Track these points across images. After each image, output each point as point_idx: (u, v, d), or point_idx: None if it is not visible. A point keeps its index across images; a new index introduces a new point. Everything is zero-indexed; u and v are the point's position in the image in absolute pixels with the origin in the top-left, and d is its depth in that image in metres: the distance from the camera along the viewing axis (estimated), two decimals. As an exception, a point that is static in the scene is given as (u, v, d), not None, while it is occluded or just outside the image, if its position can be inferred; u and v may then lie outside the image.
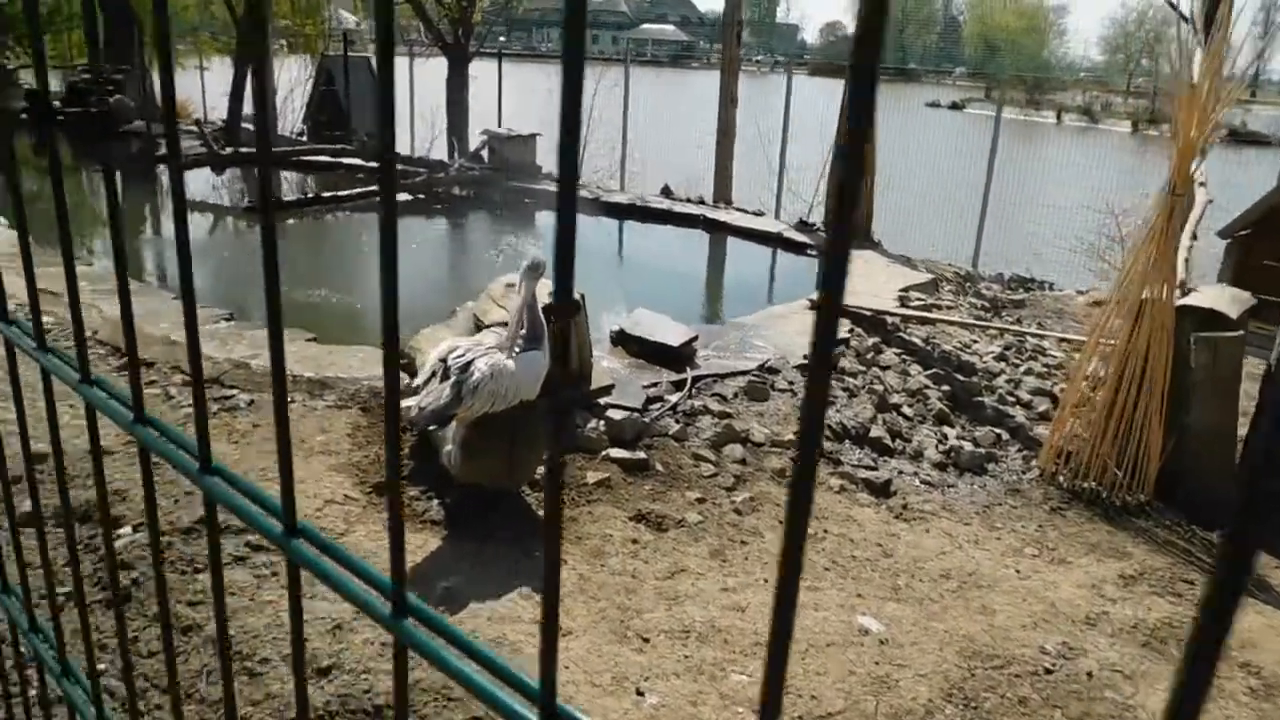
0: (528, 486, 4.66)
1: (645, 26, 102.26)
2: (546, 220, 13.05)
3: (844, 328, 7.68)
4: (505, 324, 4.83)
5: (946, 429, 6.59)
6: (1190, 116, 5.56)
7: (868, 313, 8.07)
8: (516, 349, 4.20)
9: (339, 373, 5.92)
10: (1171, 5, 9.19)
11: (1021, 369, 7.80)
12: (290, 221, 12.33)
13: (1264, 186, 11.14)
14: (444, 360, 4.12)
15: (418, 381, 4.21)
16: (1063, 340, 8.39)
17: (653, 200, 13.35)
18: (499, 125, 16.19)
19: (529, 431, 4.32)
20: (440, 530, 4.27)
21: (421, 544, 4.10)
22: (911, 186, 15.02)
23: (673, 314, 7.72)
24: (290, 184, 15.45)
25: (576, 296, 5.68)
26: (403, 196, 13.26)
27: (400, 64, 20.60)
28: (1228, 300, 6.52)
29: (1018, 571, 4.80)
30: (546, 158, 15.56)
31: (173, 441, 0.96)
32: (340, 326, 8.02)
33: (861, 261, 10.16)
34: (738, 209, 13.51)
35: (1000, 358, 7.97)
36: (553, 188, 14.02)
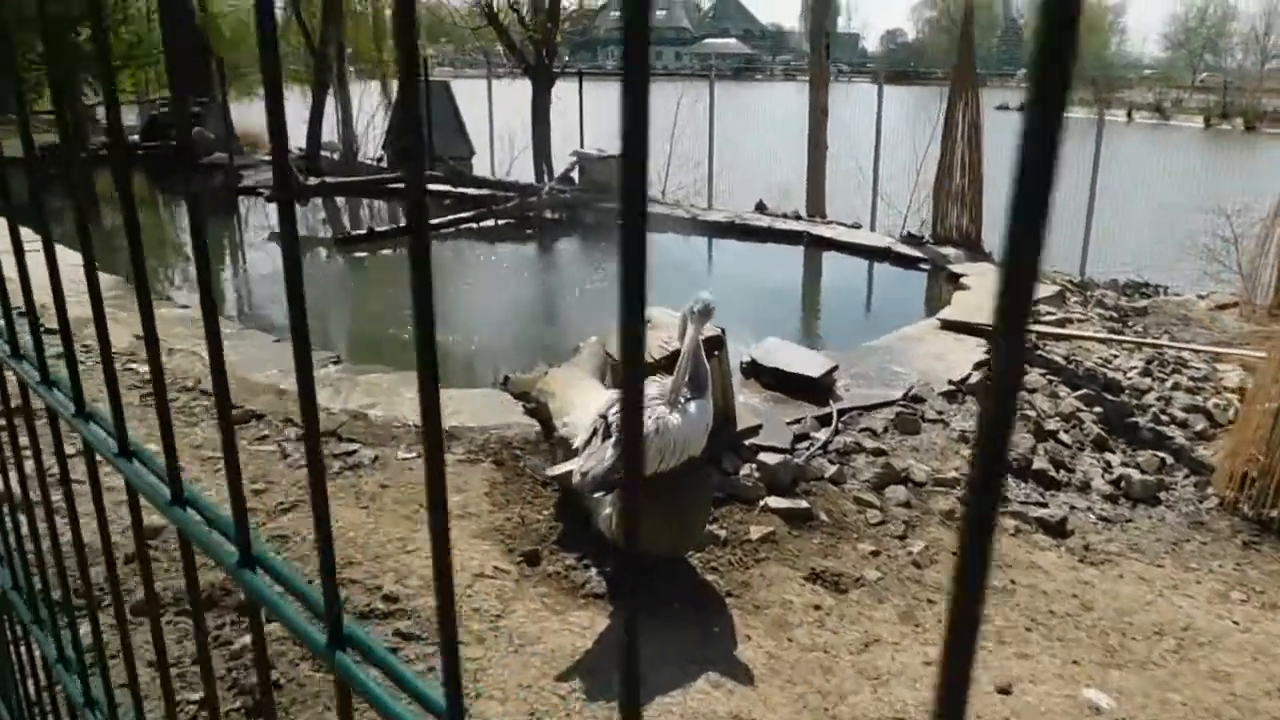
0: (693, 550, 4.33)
1: (708, 41, 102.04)
2: (650, 242, 12.77)
3: (981, 348, 7.24)
4: (661, 371, 4.52)
5: (1108, 455, 6.12)
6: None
7: (1003, 331, 7.61)
8: (682, 399, 3.87)
9: (465, 420, 5.61)
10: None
11: (1168, 384, 7.28)
12: (385, 253, 12.14)
13: None
14: (604, 416, 3.79)
15: (578, 442, 3.88)
16: (1216, 354, 7.85)
17: (750, 217, 12.98)
18: (582, 146, 15.98)
19: (697, 491, 3.99)
20: (604, 605, 3.90)
21: (588, 623, 3.74)
22: (1003, 193, 14.42)
23: (795, 339, 7.36)
24: (376, 213, 15.33)
25: (716, 330, 5.36)
26: (493, 222, 13.07)
27: (478, 86, 20.59)
28: None
29: (1235, 623, 4.34)
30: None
31: (214, 525, 0.85)
32: (454, 366, 7.76)
33: (980, 275, 9.68)
34: (836, 223, 13.09)
35: (1145, 373, 7.47)
36: (651, 209, 13.70)
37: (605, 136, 17.13)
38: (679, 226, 12.67)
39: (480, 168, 18.38)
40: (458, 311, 9.45)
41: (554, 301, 10.51)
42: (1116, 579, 4.67)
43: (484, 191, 14.40)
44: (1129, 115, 45.76)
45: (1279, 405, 5.50)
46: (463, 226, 12.78)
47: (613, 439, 3.66)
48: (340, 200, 16.05)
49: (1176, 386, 7.22)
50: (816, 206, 14.48)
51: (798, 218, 13.33)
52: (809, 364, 6.31)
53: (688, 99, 17.83)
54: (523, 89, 18.94)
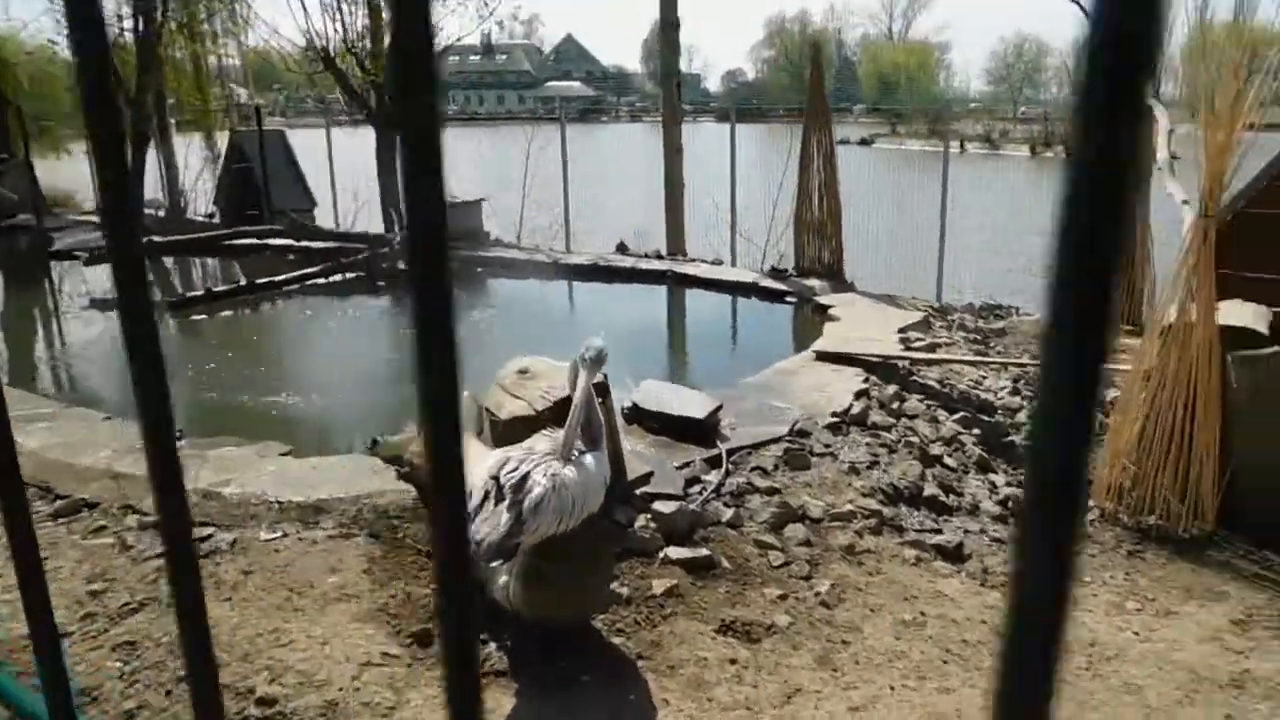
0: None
1: (551, 84, 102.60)
2: (506, 288, 12.43)
3: (859, 378, 7.24)
4: (548, 423, 4.28)
5: (992, 476, 6.17)
6: (1216, 138, 5.27)
7: (876, 358, 7.65)
8: (576, 453, 3.62)
9: (334, 490, 5.18)
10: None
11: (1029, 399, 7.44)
12: (225, 314, 11.42)
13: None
14: (496, 478, 3.51)
15: (469, 508, 3.60)
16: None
17: (613, 258, 12.85)
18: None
19: (598, 550, 3.75)
20: (508, 683, 3.59)
21: (493, 705, 3.42)
22: (856, 223, 14.79)
23: (674, 380, 7.22)
24: (210, 273, 14.38)
25: (600, 378, 5.14)
26: (341, 276, 12.54)
27: (316, 136, 19.95)
28: (1251, 315, 6.24)
29: (1136, 634, 4.34)
30: (492, 222, 15.03)
31: None
32: (315, 432, 7.29)
33: (847, 305, 9.78)
34: (699, 260, 13.10)
35: (1014, 392, 7.61)
36: (505, 253, 13.58)
37: (455, 182, 16.82)
38: (541, 271, 12.45)
39: (323, 220, 17.76)
40: (313, 372, 8.96)
41: (409, 355, 10.05)
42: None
43: (330, 244, 13.84)
44: (961, 146, 48.08)
45: (1145, 415, 5.63)
46: (309, 283, 12.21)
47: (506, 501, 3.40)
48: (169, 260, 14.93)
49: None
50: (677, 245, 14.50)
51: (659, 257, 13.29)
52: (693, 405, 6.15)
53: (537, 142, 17.74)
54: (364, 137, 18.46)
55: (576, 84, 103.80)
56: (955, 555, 5.10)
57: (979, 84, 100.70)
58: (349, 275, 12.41)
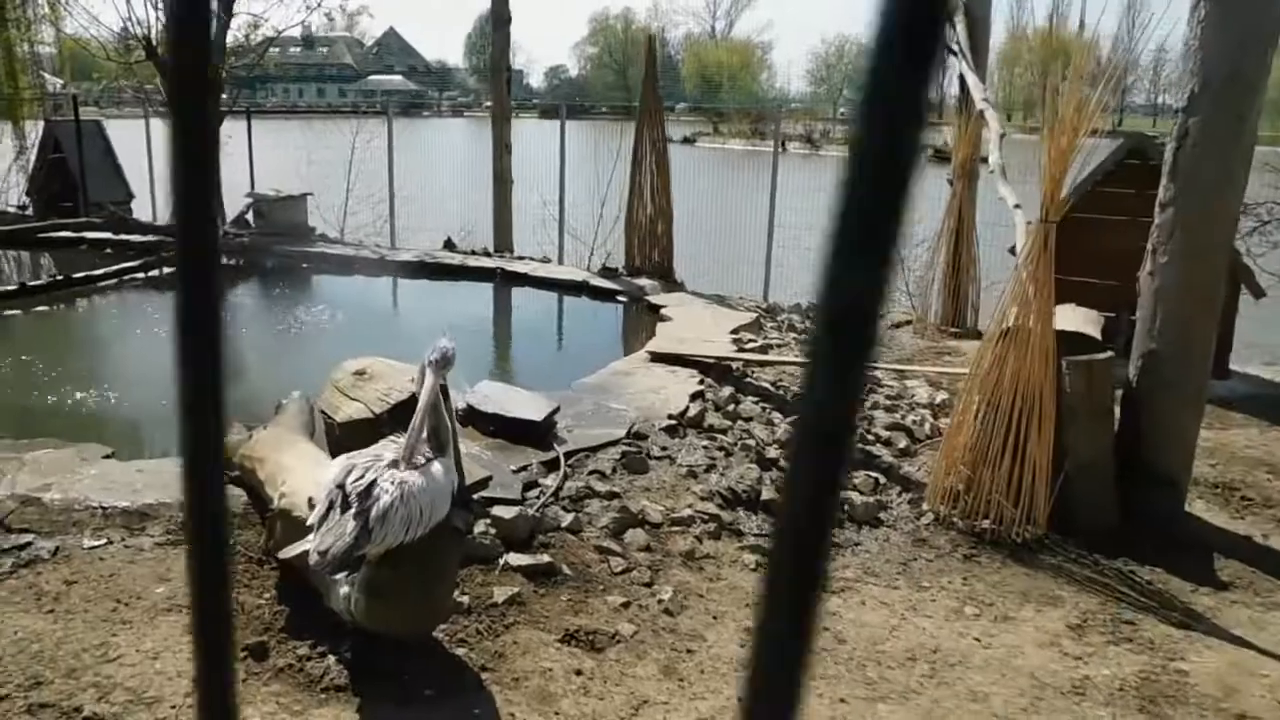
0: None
1: (373, 78, 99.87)
2: (330, 285, 11.92)
3: (694, 379, 7.26)
4: (390, 427, 4.07)
5: (826, 478, 6.26)
6: (1059, 143, 5.49)
7: (711, 360, 7.69)
8: (422, 458, 3.44)
9: (160, 495, 4.80)
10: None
11: (867, 403, 7.64)
12: (41, 309, 10.53)
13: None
14: (341, 486, 3.29)
15: (313, 518, 3.35)
16: (902, 372, 8.33)
17: (441, 255, 12.51)
18: (253, 187, 14.87)
19: (443, 559, 3.57)
20: (349, 698, 3.39)
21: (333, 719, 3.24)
22: (683, 222, 14.94)
23: (506, 381, 7.05)
24: (24, 266, 13.33)
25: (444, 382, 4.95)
26: (161, 271, 11.77)
27: (134, 126, 18.73)
28: (1082, 319, 6.55)
29: (977, 639, 4.46)
30: (315, 217, 14.44)
31: None
32: (135, 433, 6.78)
33: (679, 305, 9.82)
34: (528, 258, 12.93)
35: (844, 394, 7.79)
36: (330, 250, 13.04)
37: (278, 176, 16.10)
38: (367, 268, 12.02)
39: (140, 212, 16.72)
40: (134, 370, 8.35)
41: (240, 355, 9.46)
42: (859, 606, 4.70)
43: (150, 238, 13.03)
44: (783, 146, 49.61)
45: (980, 419, 5.81)
46: (128, 277, 11.43)
47: (352, 510, 3.19)
48: None
49: (875, 405, 7.56)
50: (504, 242, 14.31)
51: (486, 254, 13.05)
52: (529, 407, 6.01)
53: (361, 136, 17.21)
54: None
55: (398, 78, 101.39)
56: (793, 557, 5.13)
57: (800, 84, 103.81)
58: (168, 270, 11.66)
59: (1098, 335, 6.18)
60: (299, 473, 4.20)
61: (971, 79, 8.80)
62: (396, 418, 4.74)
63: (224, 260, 12.67)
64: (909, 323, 10.98)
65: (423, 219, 17.48)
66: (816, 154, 49.18)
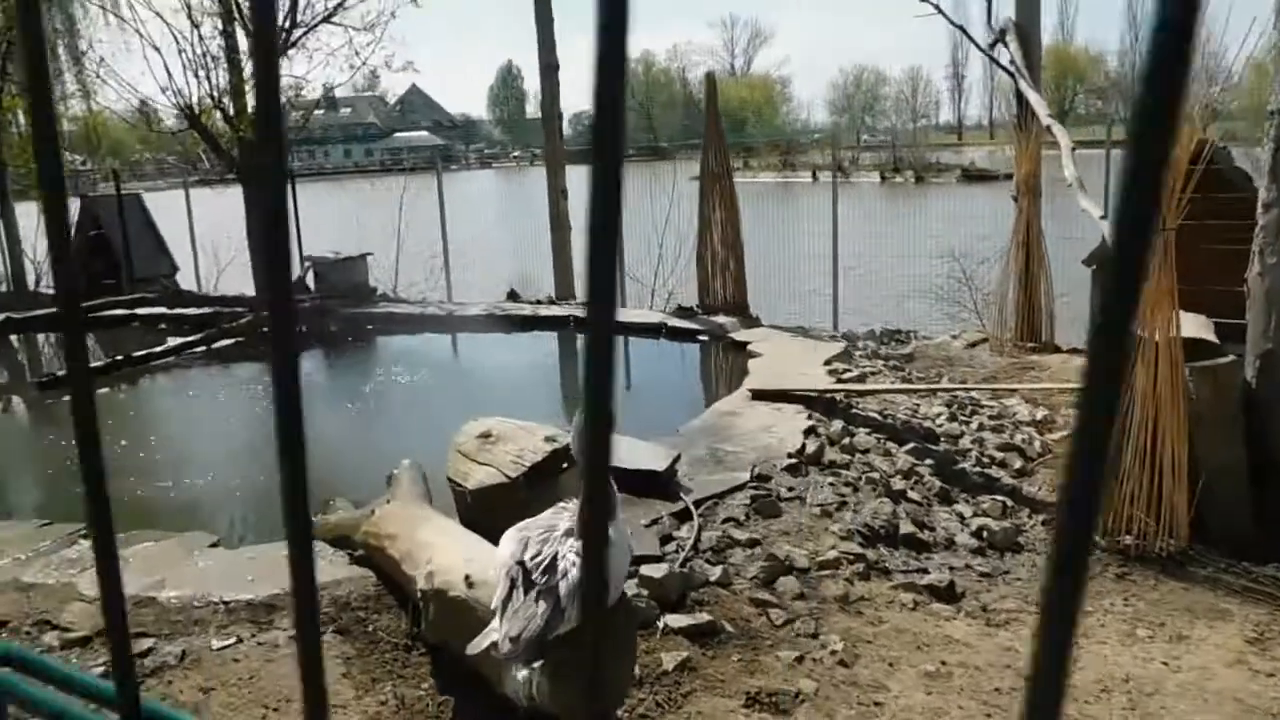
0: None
1: (399, 135, 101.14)
2: (402, 344, 11.84)
3: (802, 415, 7.06)
4: (521, 488, 3.92)
5: (957, 507, 6.03)
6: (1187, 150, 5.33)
7: (813, 394, 7.50)
8: None
9: (281, 584, 4.58)
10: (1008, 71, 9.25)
11: (974, 425, 7.41)
12: (102, 390, 10.46)
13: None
14: (521, 563, 3.12)
15: (495, 600, 3.16)
16: (1010, 391, 8.10)
17: (509, 307, 12.41)
18: (301, 249, 14.89)
19: (624, 635, 3.38)
20: None
21: None
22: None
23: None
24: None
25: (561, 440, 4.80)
26: (227, 342, 11.76)
27: (174, 196, 18.94)
28: (1199, 325, 6.33)
29: (1165, 664, 4.21)
30: (374, 277, 14.46)
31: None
32: (234, 519, 6.64)
33: (765, 340, 9.64)
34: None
35: (951, 418, 7.56)
36: (395, 309, 13.00)
37: (325, 238, 16.17)
38: (435, 325, 11.95)
39: (184, 284, 16.82)
40: (216, 450, 8.25)
41: (321, 426, 9.14)
42: (1031, 639, 4.46)
43: (206, 310, 13.04)
44: (814, 175, 49.53)
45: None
46: (188, 351, 11.40)
47: (537, 589, 3.01)
48: (16, 338, 13.69)
49: (982, 427, 7.34)
50: (566, 289, 14.21)
51: (552, 302, 12.96)
52: (648, 457, 5.83)
53: (395, 194, 17.30)
54: (218, 197, 17.60)
55: (424, 133, 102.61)
56: (949, 595, 4.91)
57: (821, 114, 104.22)
58: (230, 341, 11.64)
59: (1215, 339, 5.95)
60: (444, 549, 4.03)
61: (1033, 96, 8.69)
62: (533, 481, 4.60)
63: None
64: (984, 341, 10.75)
65: (474, 272, 17.50)
66: (848, 180, 49.13)
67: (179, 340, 11.39)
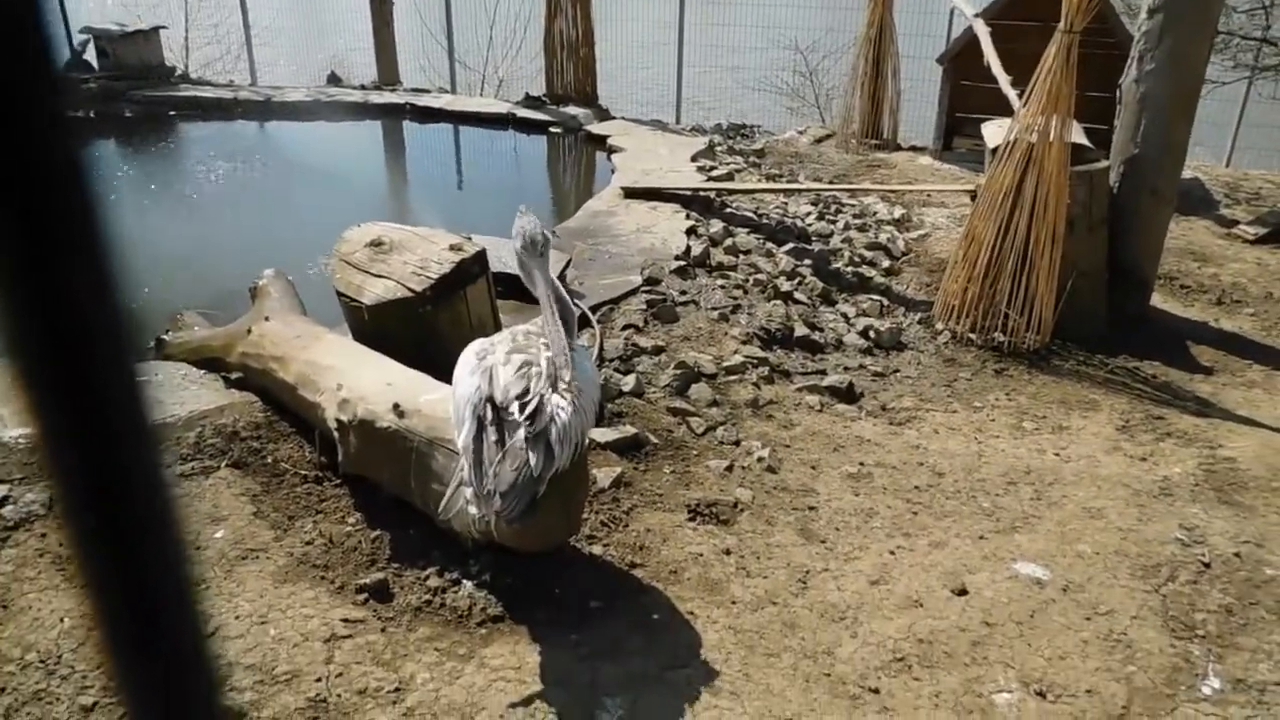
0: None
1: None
2: (217, 135, 10.69)
3: (680, 215, 6.89)
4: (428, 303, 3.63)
5: (841, 308, 6.07)
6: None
7: (687, 192, 7.31)
8: (570, 355, 2.96)
9: (157, 414, 4.21)
10: None
11: (840, 225, 7.43)
12: None
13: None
14: (490, 399, 2.80)
15: (461, 440, 2.85)
16: (887, 192, 8.12)
17: (335, 92, 11.38)
18: (64, 14, 13.06)
19: (584, 462, 3.20)
20: (513, 627, 3.00)
21: (515, 661, 2.82)
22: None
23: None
24: None
25: (473, 247, 4.46)
26: None
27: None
28: (1074, 130, 6.43)
29: (1056, 455, 4.44)
30: (170, 55, 12.99)
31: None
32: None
33: (625, 134, 9.28)
34: (422, 90, 12.01)
35: (820, 216, 7.56)
36: (201, 93, 11.69)
37: (118, 8, 14.39)
38: (253, 111, 10.87)
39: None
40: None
41: (143, 229, 8.04)
42: (934, 435, 4.60)
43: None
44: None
45: (997, 235, 5.67)
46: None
47: (523, 434, 2.73)
48: None
49: (848, 226, 7.36)
50: (388, 74, 13.22)
51: (377, 88, 12.03)
52: (537, 261, 5.54)
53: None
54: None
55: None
56: (849, 396, 4.98)
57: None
58: None
59: (1089, 144, 6.08)
60: (352, 373, 3.67)
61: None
62: (439, 295, 4.26)
63: (72, 111, 11.31)
64: (829, 137, 10.72)
65: (275, 51, 16.11)
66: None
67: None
